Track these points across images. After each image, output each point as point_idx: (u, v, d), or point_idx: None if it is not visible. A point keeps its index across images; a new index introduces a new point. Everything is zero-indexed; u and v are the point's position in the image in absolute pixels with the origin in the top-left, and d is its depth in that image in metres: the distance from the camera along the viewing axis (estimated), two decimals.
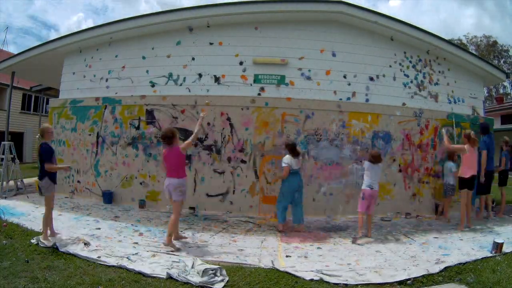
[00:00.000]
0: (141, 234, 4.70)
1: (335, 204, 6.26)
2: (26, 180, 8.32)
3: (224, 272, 3.28)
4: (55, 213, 5.58)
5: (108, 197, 6.59)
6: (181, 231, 4.88)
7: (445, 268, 3.55)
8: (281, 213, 5.16)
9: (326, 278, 3.29)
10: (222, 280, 3.15)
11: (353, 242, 4.63)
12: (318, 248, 4.35)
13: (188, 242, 4.40)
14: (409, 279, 3.28)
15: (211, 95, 6.34)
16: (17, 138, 15.94)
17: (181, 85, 6.54)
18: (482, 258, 3.90)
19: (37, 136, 4.79)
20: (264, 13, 6.39)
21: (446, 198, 6.21)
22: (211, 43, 6.56)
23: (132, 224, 5.16)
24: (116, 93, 6.85)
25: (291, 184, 5.11)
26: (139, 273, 3.26)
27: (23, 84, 15.88)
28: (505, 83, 27.42)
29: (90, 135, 6.94)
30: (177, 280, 3.14)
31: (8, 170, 7.36)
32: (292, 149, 5.10)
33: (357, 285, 3.20)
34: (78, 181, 7.04)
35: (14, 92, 13.31)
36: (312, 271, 3.46)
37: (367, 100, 6.58)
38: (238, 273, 3.35)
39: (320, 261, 3.82)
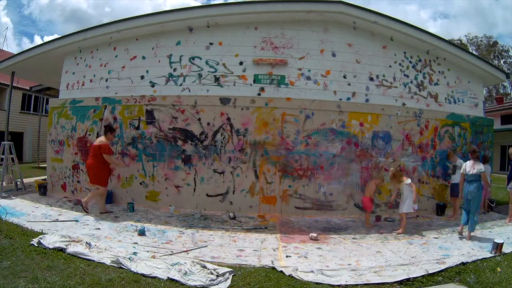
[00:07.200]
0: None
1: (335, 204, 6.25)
2: (26, 180, 8.33)
3: (224, 272, 3.28)
4: (55, 213, 5.62)
5: (108, 197, 6.57)
6: (181, 231, 4.89)
7: (445, 268, 3.55)
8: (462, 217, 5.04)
9: (326, 280, 3.28)
10: (224, 281, 3.15)
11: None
12: (318, 248, 4.35)
13: None
14: (409, 279, 3.29)
15: (211, 95, 6.35)
16: (17, 138, 15.93)
17: (181, 85, 6.53)
18: (482, 258, 3.91)
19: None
20: (264, 13, 6.38)
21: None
22: (211, 43, 6.56)
23: (132, 224, 5.16)
24: (116, 93, 6.84)
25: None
26: (139, 273, 3.26)
27: (23, 84, 15.86)
28: (505, 83, 27.46)
29: (90, 135, 6.94)
30: (177, 281, 3.14)
31: (7, 170, 7.36)
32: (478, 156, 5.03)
33: (357, 285, 3.20)
34: (78, 181, 7.04)
35: (14, 92, 13.29)
36: (312, 271, 3.46)
37: (367, 100, 6.58)
38: (238, 273, 3.34)
39: (320, 261, 3.81)
